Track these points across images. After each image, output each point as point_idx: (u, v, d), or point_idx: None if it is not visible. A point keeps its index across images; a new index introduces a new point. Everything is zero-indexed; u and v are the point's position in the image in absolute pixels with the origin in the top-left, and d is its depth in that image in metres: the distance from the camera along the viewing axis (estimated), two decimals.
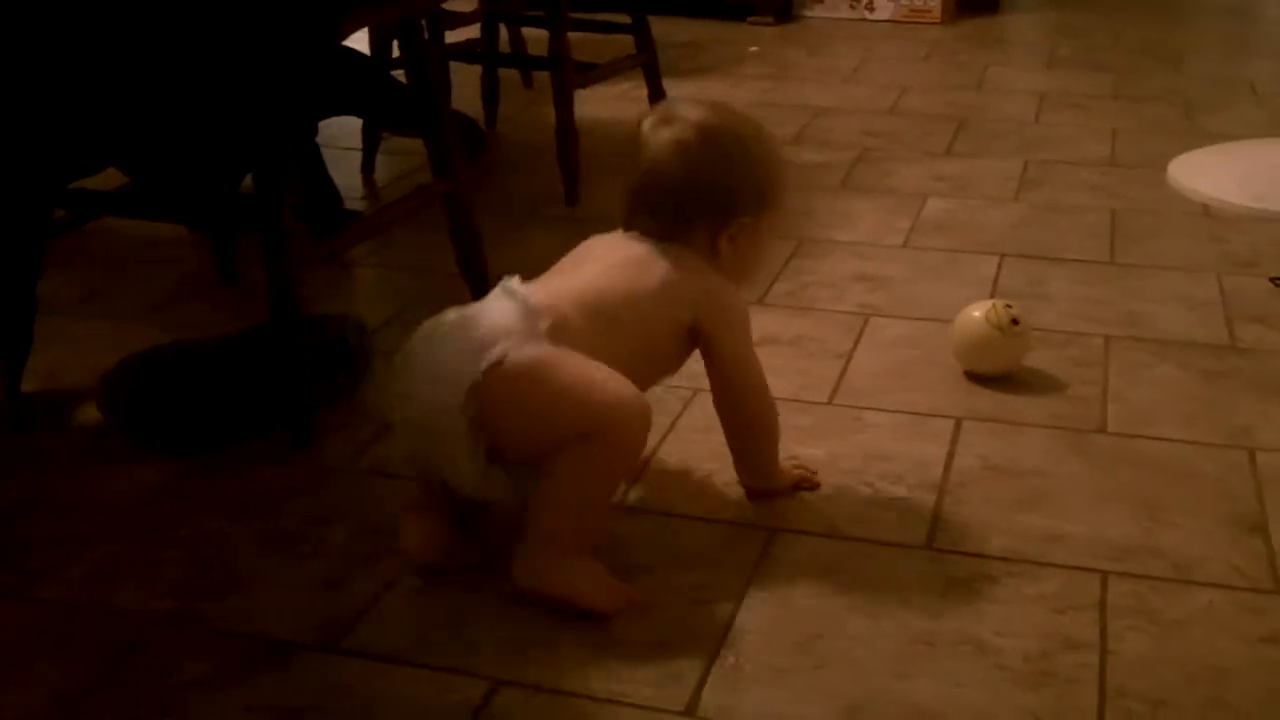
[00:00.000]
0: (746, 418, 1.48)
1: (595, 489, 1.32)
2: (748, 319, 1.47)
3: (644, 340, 1.40)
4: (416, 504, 1.38)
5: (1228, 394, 1.72)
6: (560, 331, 1.31)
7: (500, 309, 1.34)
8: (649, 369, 1.42)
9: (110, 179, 1.85)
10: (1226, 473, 1.53)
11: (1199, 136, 2.84)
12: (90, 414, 1.65)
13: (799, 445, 1.59)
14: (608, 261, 1.43)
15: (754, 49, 3.81)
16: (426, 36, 2.02)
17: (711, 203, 1.42)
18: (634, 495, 1.49)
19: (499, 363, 1.27)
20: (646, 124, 1.45)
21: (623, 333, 1.37)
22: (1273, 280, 2.06)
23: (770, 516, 1.45)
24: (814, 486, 1.51)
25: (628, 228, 1.46)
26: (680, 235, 1.43)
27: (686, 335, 1.43)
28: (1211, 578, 1.34)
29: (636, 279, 1.40)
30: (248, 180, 1.68)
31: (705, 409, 1.67)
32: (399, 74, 2.13)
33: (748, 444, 1.49)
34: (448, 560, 1.36)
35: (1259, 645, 1.24)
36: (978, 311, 1.74)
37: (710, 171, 1.42)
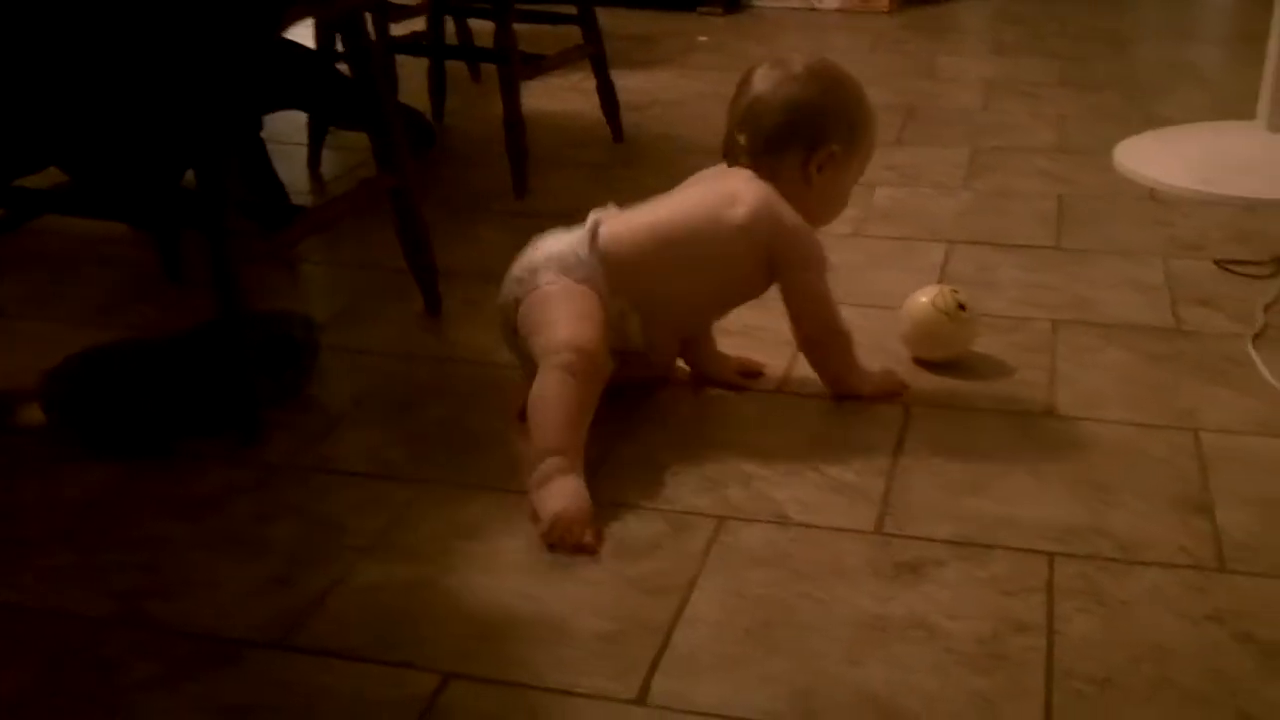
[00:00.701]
0: (815, 341, 1.65)
1: (542, 409, 1.46)
2: (820, 253, 1.62)
3: (711, 267, 1.59)
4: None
5: (1173, 376, 1.73)
6: (614, 248, 1.56)
7: (565, 237, 1.59)
8: (724, 292, 1.65)
9: (51, 177, 1.83)
10: (1172, 454, 1.55)
11: (1145, 121, 2.86)
12: (35, 415, 1.63)
13: (749, 432, 1.60)
14: (690, 195, 1.65)
15: (703, 39, 3.82)
16: (371, 29, 2.01)
17: (806, 126, 1.61)
18: (588, 487, 1.48)
19: (523, 291, 1.56)
20: (759, 71, 1.65)
21: (687, 259, 1.58)
22: (1218, 263, 2.08)
23: (720, 505, 1.45)
24: (899, 393, 1.68)
25: (726, 159, 1.67)
26: (771, 162, 1.62)
27: (761, 264, 1.61)
28: (1157, 558, 1.35)
29: (708, 215, 1.59)
30: (192, 176, 1.67)
31: (661, 405, 1.67)
32: (345, 67, 2.12)
33: (820, 361, 1.67)
34: None
35: (1204, 624, 1.25)
36: (925, 297, 1.75)
37: (807, 97, 1.62)
